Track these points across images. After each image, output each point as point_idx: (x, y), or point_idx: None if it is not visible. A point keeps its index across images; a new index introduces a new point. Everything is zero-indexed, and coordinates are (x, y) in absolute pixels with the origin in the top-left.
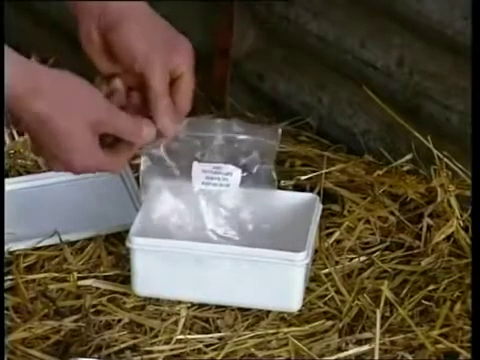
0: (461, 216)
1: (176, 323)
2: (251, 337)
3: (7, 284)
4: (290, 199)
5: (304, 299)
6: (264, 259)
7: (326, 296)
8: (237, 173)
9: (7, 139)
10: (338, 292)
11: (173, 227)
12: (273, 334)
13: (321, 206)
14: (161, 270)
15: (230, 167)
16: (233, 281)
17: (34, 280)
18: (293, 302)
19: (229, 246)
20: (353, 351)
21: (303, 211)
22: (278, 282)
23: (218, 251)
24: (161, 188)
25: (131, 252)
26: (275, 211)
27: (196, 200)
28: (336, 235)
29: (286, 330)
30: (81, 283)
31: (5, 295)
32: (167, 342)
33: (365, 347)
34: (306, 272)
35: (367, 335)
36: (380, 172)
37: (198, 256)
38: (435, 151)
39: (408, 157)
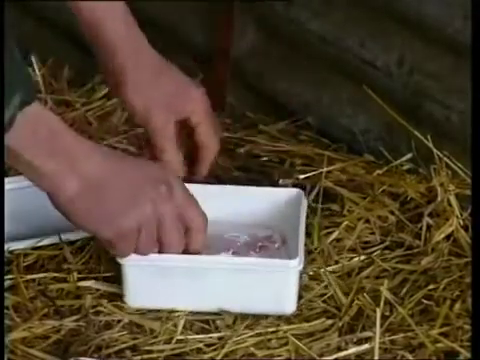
0: (461, 215)
1: (175, 325)
2: (251, 336)
3: (7, 283)
4: (275, 195)
5: (304, 298)
6: (257, 268)
7: (325, 295)
8: None
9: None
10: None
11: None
12: (273, 333)
13: (306, 201)
14: (154, 284)
15: None
16: (226, 291)
17: (34, 280)
18: (287, 307)
19: (221, 257)
20: (353, 350)
21: (291, 208)
22: (272, 289)
23: (210, 262)
24: None
25: (123, 268)
26: (261, 208)
27: None
28: (335, 234)
29: (286, 329)
30: (81, 284)
31: (5, 294)
32: (167, 342)
33: (365, 346)
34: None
35: (367, 334)
36: (380, 171)
37: (190, 268)
38: (435, 150)
39: (408, 156)
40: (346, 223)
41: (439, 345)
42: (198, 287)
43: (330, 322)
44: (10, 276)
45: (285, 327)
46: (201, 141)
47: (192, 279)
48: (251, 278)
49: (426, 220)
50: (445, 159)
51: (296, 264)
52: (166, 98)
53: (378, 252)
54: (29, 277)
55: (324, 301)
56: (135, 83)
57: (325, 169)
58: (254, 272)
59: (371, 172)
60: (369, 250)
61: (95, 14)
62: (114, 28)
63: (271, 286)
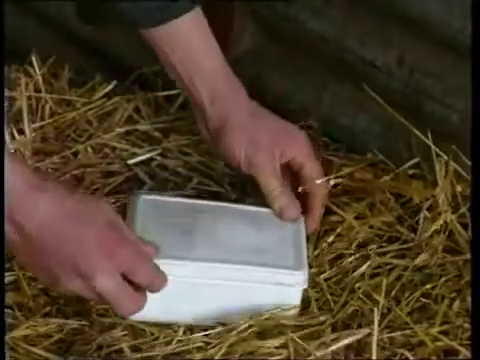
0: (459, 214)
1: (176, 331)
2: (250, 336)
3: (9, 280)
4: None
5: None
6: (260, 285)
7: (323, 297)
8: None
9: (7, 138)
10: (332, 294)
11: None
12: (273, 333)
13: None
14: (156, 294)
15: None
16: (226, 307)
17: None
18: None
19: (223, 267)
20: (348, 340)
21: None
22: (274, 305)
23: (213, 275)
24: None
25: None
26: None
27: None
28: (332, 236)
29: (285, 328)
30: None
31: (7, 292)
32: (168, 342)
33: (365, 331)
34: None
35: (365, 331)
36: (379, 171)
37: (192, 279)
38: (435, 149)
39: (414, 161)
40: (344, 223)
41: (439, 343)
42: (196, 300)
43: (329, 322)
44: (12, 273)
45: (285, 327)
46: (307, 186)
47: (194, 293)
48: (254, 293)
49: (424, 216)
50: (445, 158)
51: (301, 281)
52: (269, 140)
53: (375, 249)
54: (31, 274)
55: (324, 301)
56: (237, 126)
57: (331, 176)
58: (258, 288)
59: (371, 172)
60: (367, 252)
61: (192, 60)
62: (212, 74)
63: (274, 303)
